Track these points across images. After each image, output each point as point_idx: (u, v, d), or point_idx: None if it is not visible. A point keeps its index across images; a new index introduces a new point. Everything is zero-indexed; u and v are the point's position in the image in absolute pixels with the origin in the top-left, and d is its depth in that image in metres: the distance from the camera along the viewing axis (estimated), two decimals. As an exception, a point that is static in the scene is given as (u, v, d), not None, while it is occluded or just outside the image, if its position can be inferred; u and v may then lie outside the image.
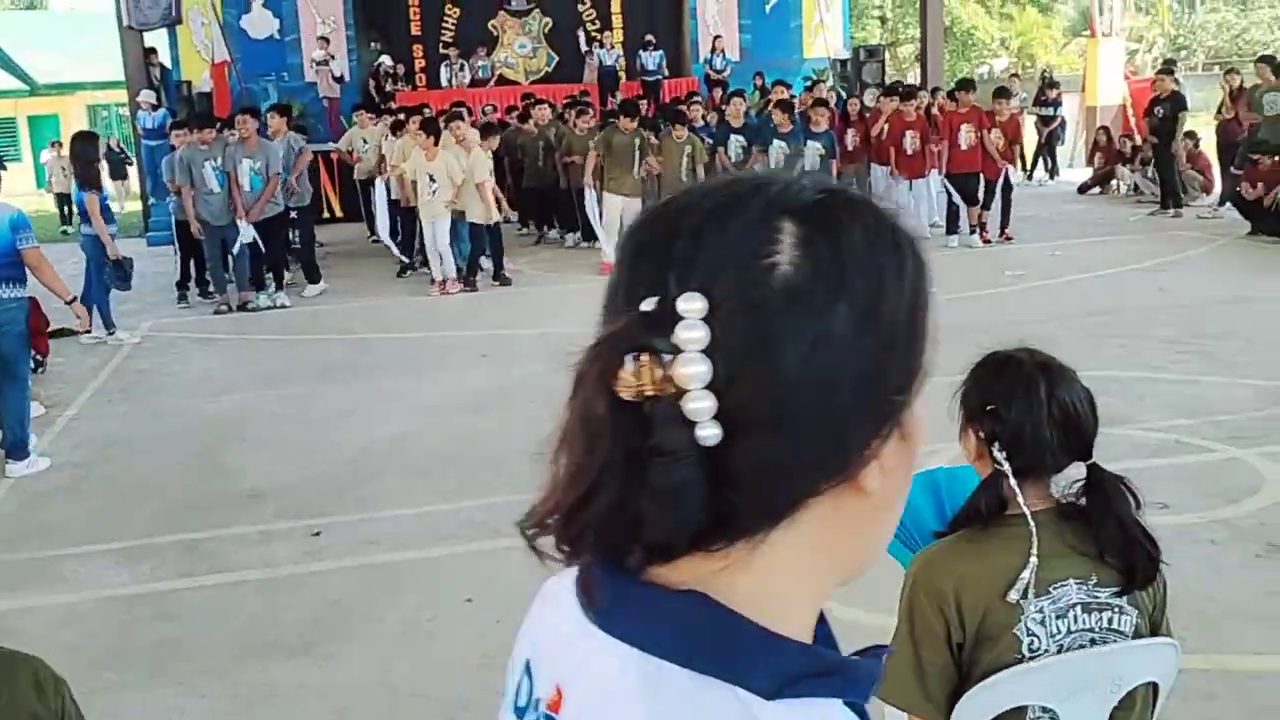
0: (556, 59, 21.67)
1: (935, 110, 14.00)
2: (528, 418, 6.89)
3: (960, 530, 2.02)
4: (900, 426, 0.74)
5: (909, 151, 13.21)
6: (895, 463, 0.74)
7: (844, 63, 20.71)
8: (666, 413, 0.67)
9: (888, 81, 18.93)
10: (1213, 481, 5.38)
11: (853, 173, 13.49)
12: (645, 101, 17.34)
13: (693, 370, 0.66)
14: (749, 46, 21.16)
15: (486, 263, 12.13)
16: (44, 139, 27.32)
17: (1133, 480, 1.98)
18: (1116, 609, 1.97)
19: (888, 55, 26.93)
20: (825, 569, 0.77)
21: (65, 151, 15.39)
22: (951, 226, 13.05)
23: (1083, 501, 1.99)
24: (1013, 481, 1.95)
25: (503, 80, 20.94)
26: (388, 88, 19.15)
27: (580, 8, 21.47)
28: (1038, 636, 1.94)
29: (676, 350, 0.67)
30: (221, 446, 6.83)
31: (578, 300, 10.99)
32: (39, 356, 8.52)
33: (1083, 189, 17.44)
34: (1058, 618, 1.95)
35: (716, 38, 20.47)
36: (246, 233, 11.08)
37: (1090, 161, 18.28)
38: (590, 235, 13.32)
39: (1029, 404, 1.95)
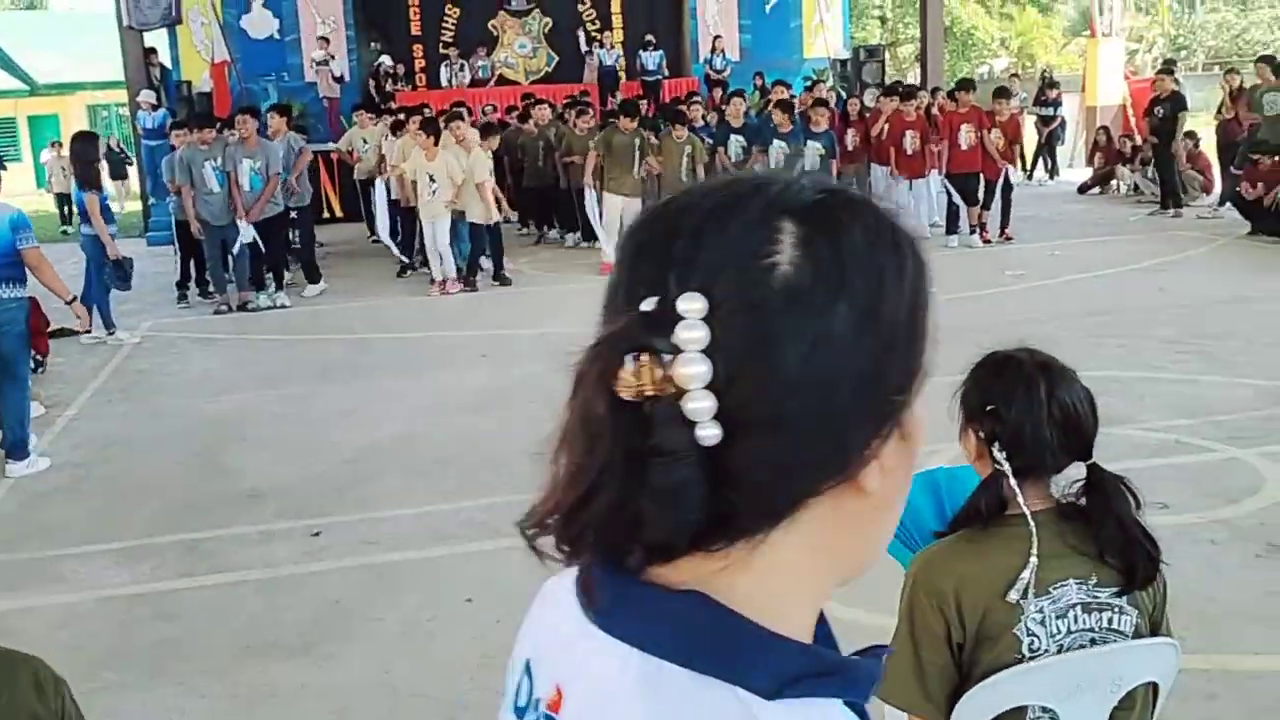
0: (556, 59, 21.67)
1: (935, 110, 14.00)
2: (528, 418, 6.89)
3: (960, 530, 2.02)
4: (900, 426, 0.74)
5: (909, 151, 13.21)
6: (895, 463, 0.74)
7: (844, 63, 20.71)
8: (666, 413, 0.67)
9: (888, 81, 18.93)
10: (1213, 481, 5.38)
11: (853, 173, 13.49)
12: (645, 101, 17.34)
13: (693, 370, 0.66)
14: (749, 46, 21.16)
15: (486, 263, 12.13)
16: (44, 139, 27.33)
17: (1133, 480, 1.98)
18: (1116, 609, 1.97)
19: (888, 55, 26.93)
20: (825, 569, 0.77)
21: (65, 151, 15.41)
22: (951, 226, 13.05)
23: (1083, 501, 1.99)
24: (1013, 481, 1.95)
25: (503, 80, 20.95)
26: (388, 88, 19.16)
27: (580, 8, 21.48)
28: (1038, 636, 1.94)
29: (676, 350, 0.67)
30: (221, 446, 6.83)
31: (578, 300, 10.99)
32: (39, 356, 8.53)
33: (1083, 189, 17.45)
34: (1058, 618, 1.95)
35: (716, 38, 20.48)
36: (246, 233, 11.08)
37: (1090, 161, 18.29)
38: (590, 235, 13.32)
39: (1029, 404, 1.95)
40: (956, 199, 12.99)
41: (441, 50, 20.72)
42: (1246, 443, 5.83)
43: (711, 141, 13.21)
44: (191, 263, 12.07)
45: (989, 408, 1.98)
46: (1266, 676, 3.73)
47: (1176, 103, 14.52)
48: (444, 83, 19.94)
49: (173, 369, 9.08)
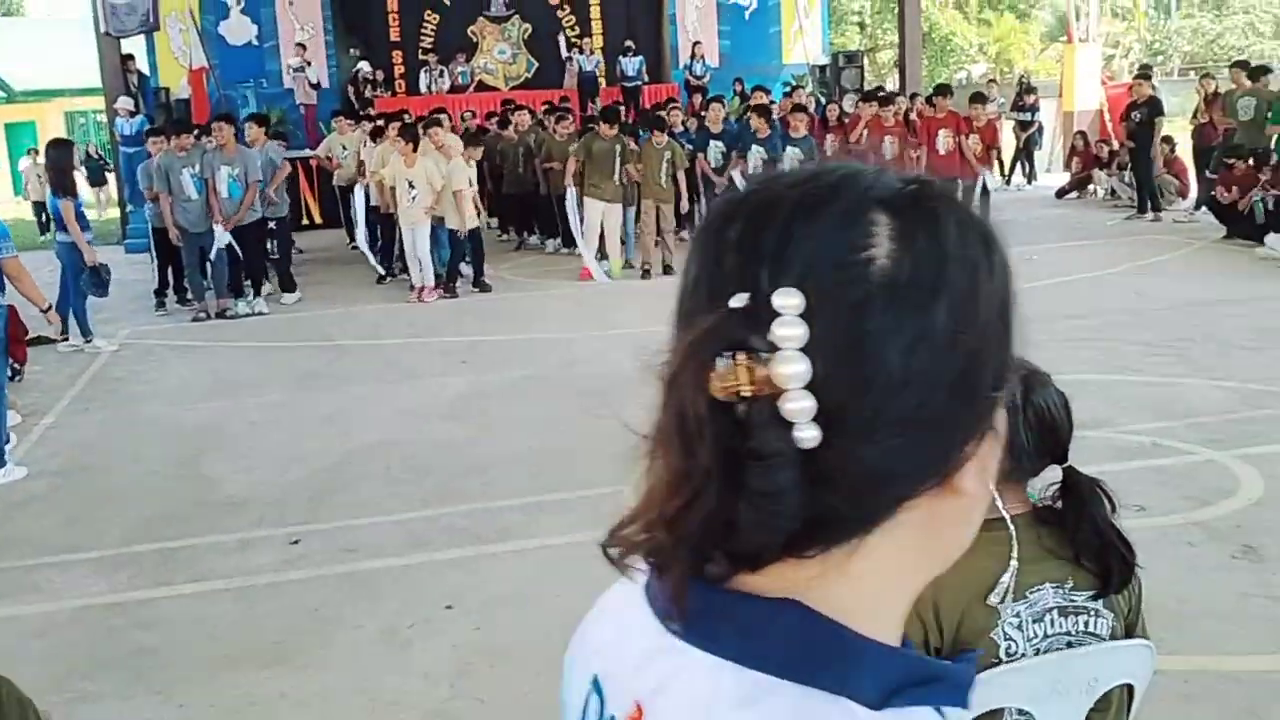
0: (536, 65, 21.66)
1: (914, 116, 14.06)
2: (507, 425, 6.89)
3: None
4: (993, 424, 0.72)
5: (888, 157, 13.20)
6: (989, 461, 0.72)
7: (823, 68, 20.79)
8: (763, 414, 0.64)
9: (867, 87, 19.00)
10: (1189, 484, 5.41)
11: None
12: (625, 107, 17.35)
13: (792, 369, 0.63)
14: (728, 52, 21.21)
15: (467, 269, 12.11)
16: (21, 146, 27.21)
17: (1110, 483, 1.98)
18: (1092, 612, 1.98)
19: (866, 61, 26.97)
20: (918, 571, 0.75)
21: (42, 159, 15.32)
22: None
23: (1059, 505, 1.99)
24: (991, 485, 1.95)
25: (482, 86, 20.92)
26: (366, 94, 19.11)
27: (560, 14, 21.47)
28: (1015, 641, 1.95)
29: (773, 348, 0.64)
30: (199, 454, 6.80)
31: (558, 306, 11.05)
32: (16, 365, 8.48)
33: (1060, 193, 17.53)
34: (1034, 622, 1.95)
35: (696, 43, 20.52)
36: (222, 238, 11.04)
37: (1067, 166, 18.38)
38: (571, 241, 13.32)
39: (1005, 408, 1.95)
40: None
41: (421, 56, 20.68)
42: (1223, 445, 5.86)
43: (691, 147, 13.22)
44: (169, 270, 12.01)
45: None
46: (1242, 678, 3.75)
47: (1154, 107, 14.62)
48: (423, 89, 19.92)
49: (150, 377, 9.03)
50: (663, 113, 13.93)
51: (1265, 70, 14.20)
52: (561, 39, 21.12)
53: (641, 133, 13.18)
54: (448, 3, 21.09)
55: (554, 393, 7.56)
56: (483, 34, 21.54)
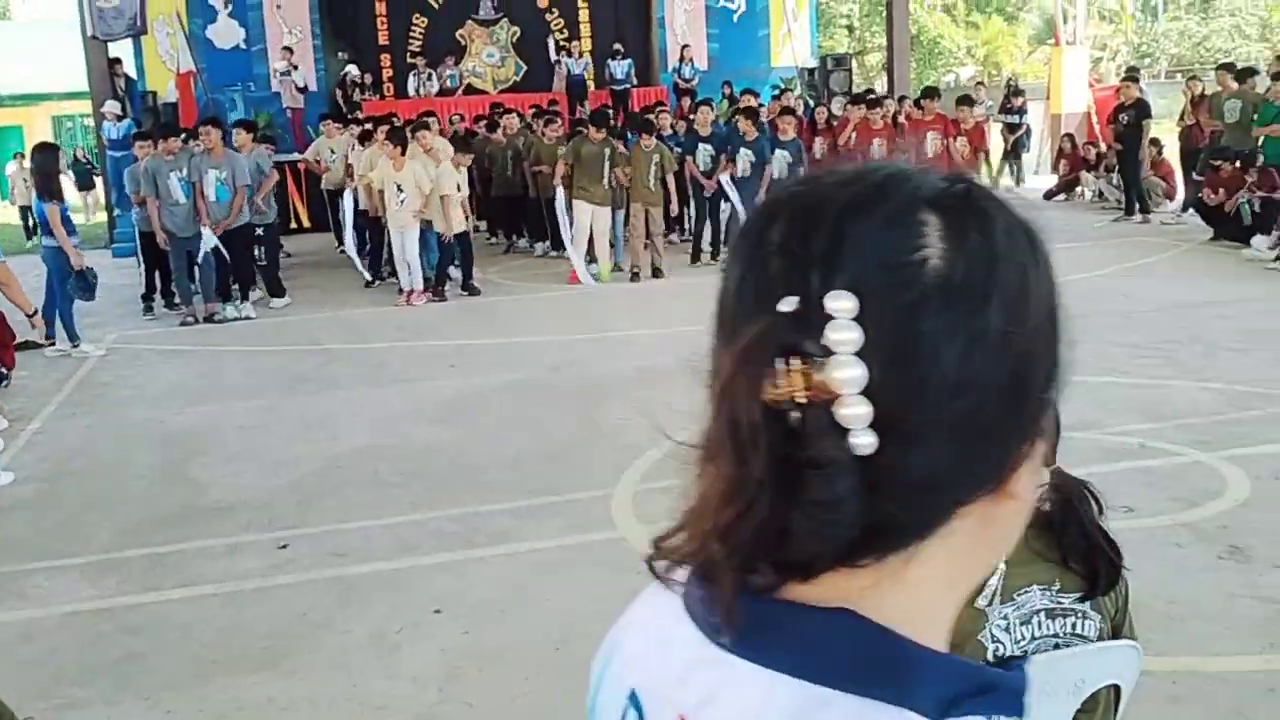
0: (525, 68, 21.65)
1: (902, 118, 14.08)
2: (496, 428, 6.88)
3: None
4: (1043, 426, 0.71)
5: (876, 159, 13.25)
6: (1039, 463, 0.71)
7: (811, 71, 20.83)
8: (818, 420, 0.62)
9: (855, 90, 19.03)
10: (1177, 485, 5.42)
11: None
12: (614, 110, 17.36)
13: (848, 374, 0.62)
14: (717, 55, 21.23)
15: (455, 272, 12.10)
16: (8, 151, 27.07)
17: (1098, 484, 1.99)
18: (1080, 614, 1.98)
19: (855, 64, 27.06)
20: (970, 575, 0.74)
21: (28, 163, 15.27)
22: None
23: (1046, 507, 1.99)
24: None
25: (471, 90, 20.91)
26: (355, 97, 19.09)
27: (548, 17, 21.47)
28: (1002, 643, 1.95)
29: (827, 352, 0.62)
30: (187, 459, 6.78)
31: (546, 310, 11.04)
32: (4, 370, 8.43)
33: (1048, 196, 17.56)
34: (1022, 624, 1.95)
35: (685, 47, 20.53)
36: (209, 240, 11.01)
37: (1055, 168, 18.43)
38: (559, 245, 13.31)
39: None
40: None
41: (409, 60, 20.68)
42: (1210, 446, 5.88)
43: (680, 150, 13.24)
44: (157, 274, 11.98)
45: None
46: (1229, 678, 3.76)
47: (1141, 110, 14.67)
48: (412, 92, 19.89)
49: (138, 381, 9.00)
50: (651, 116, 13.95)
51: (1251, 72, 14.28)
52: (550, 42, 21.11)
53: (630, 136, 13.20)
54: (436, 6, 21.09)
55: (542, 396, 7.56)
56: (471, 37, 21.54)
